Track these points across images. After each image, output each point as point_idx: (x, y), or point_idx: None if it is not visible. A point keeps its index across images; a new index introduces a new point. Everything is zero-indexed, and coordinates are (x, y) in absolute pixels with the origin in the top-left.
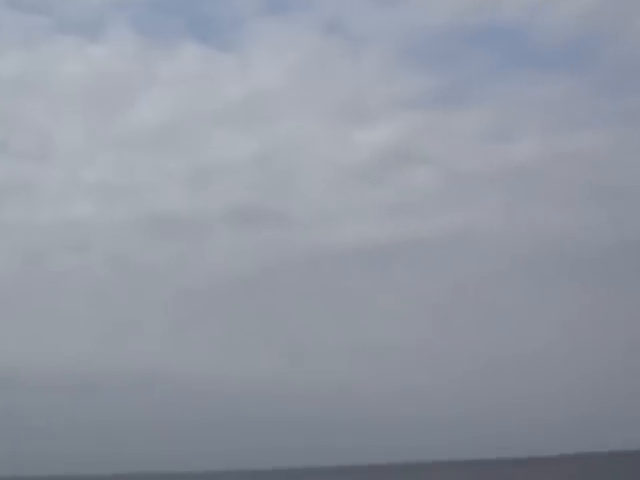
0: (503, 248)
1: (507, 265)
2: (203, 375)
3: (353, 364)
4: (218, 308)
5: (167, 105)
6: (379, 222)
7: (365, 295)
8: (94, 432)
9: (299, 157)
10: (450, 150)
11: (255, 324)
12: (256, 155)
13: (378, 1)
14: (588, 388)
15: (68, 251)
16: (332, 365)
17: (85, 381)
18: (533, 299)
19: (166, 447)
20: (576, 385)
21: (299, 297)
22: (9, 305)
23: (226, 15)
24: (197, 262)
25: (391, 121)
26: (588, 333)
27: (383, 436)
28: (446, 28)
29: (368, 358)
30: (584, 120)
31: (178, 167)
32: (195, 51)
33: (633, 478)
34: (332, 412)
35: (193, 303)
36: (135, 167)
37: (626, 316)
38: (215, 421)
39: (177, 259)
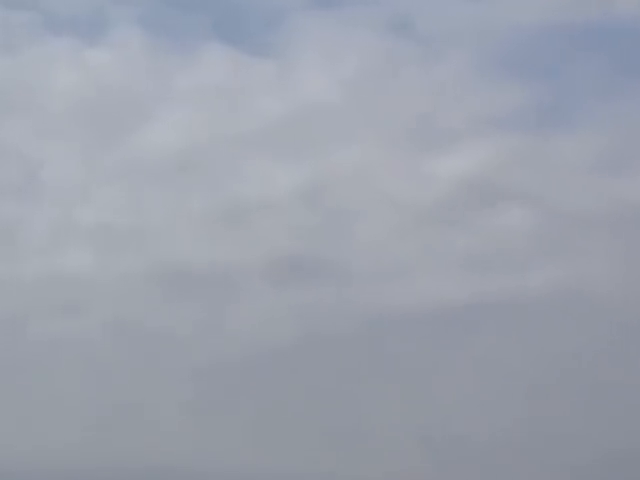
0: (616, 311)
1: (621, 333)
2: (228, 472)
3: (419, 458)
4: (249, 387)
5: (186, 126)
6: (457, 277)
7: (437, 369)
8: None
9: (356, 193)
10: (548, 184)
11: (296, 406)
12: (301, 190)
13: None
14: None
15: (58, 313)
16: (392, 459)
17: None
18: None
19: None
20: None
21: (352, 372)
22: None
23: (262, 10)
24: (223, 329)
25: (473, 147)
26: None
27: None
28: (543, 29)
29: (438, 451)
30: None
31: (200, 206)
32: (222, 56)
33: None
34: None
35: (217, 381)
36: (144, 205)
37: None
38: None
39: (197, 324)
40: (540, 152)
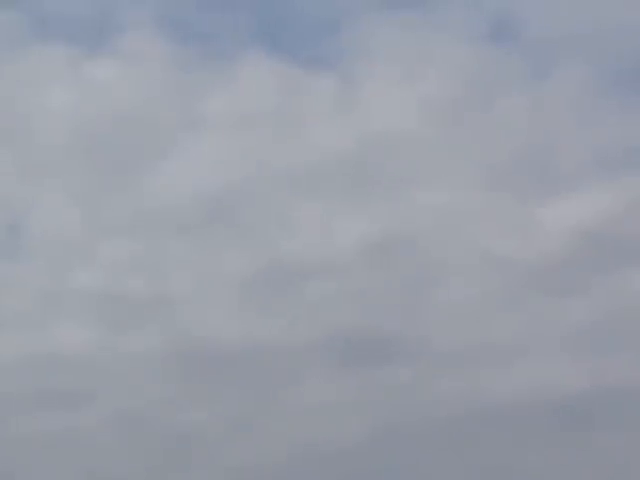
0: None
1: None
2: None
3: None
4: None
5: (218, 162)
6: (571, 357)
7: (543, 473)
8: None
9: (440, 250)
10: None
11: None
12: (367, 247)
13: None
14: None
15: (49, 404)
16: None
17: None
18: None
19: None
20: None
21: (431, 477)
22: None
23: (319, 10)
24: (265, 425)
25: (593, 191)
26: None
27: None
28: None
29: None
30: None
31: (235, 267)
32: (266, 70)
33: None
34: None
35: None
36: (163, 266)
37: None
38: None
39: (231, 420)
40: None
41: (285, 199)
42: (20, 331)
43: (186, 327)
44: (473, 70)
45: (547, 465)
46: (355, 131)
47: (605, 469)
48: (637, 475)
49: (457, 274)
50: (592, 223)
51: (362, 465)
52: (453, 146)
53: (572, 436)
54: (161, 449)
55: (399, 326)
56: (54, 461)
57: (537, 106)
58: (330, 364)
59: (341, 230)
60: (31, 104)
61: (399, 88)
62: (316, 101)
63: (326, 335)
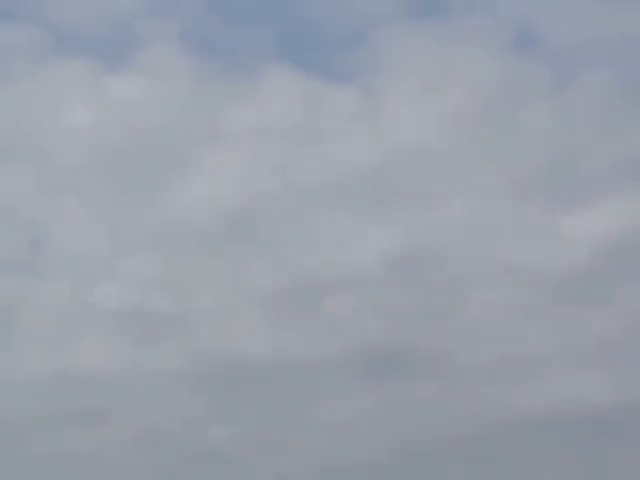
0: None
1: None
2: None
3: None
4: None
5: (240, 177)
6: (600, 370)
7: None
8: None
9: (466, 262)
10: None
11: None
12: (392, 260)
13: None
14: None
15: (71, 422)
16: None
17: None
18: None
19: None
20: None
21: None
22: None
23: (342, 22)
24: (290, 442)
25: (621, 201)
26: None
27: None
28: None
29: None
30: None
31: (258, 282)
32: (288, 83)
33: None
34: None
35: None
36: (184, 282)
37: None
38: None
39: (256, 438)
40: None
41: (306, 213)
42: (42, 349)
43: (208, 343)
44: (495, 80)
45: (576, 475)
46: (376, 144)
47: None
48: None
49: (480, 287)
50: (617, 234)
51: (389, 477)
52: (475, 159)
53: (599, 450)
54: (182, 465)
55: (421, 340)
56: (75, 477)
57: (560, 115)
58: (352, 378)
59: (362, 244)
60: (52, 120)
61: (420, 101)
62: (337, 114)
63: (348, 349)
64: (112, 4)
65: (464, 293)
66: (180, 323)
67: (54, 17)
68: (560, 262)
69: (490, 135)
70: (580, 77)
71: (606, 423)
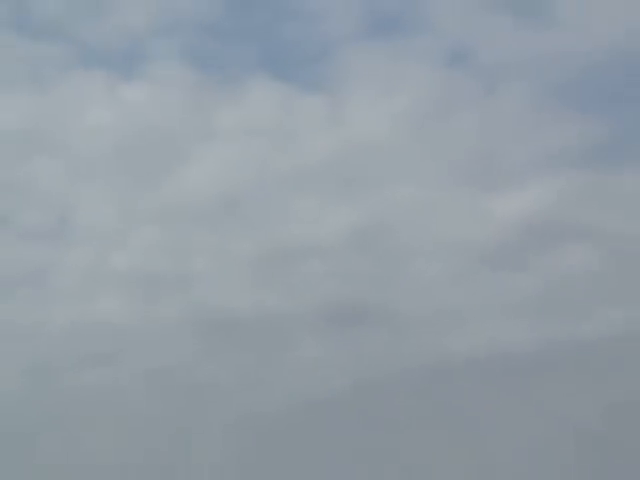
0: None
1: None
2: None
3: None
4: (294, 439)
5: (230, 166)
6: (516, 322)
7: (492, 418)
8: None
9: (411, 234)
10: (614, 223)
11: (343, 459)
12: (353, 232)
13: (520, 21)
14: None
15: (91, 363)
16: None
17: None
18: None
19: None
20: None
21: (403, 422)
22: (12, 434)
23: (312, 40)
24: (268, 378)
25: (536, 185)
26: None
27: None
28: (609, 57)
29: None
30: None
31: (245, 249)
32: (269, 91)
33: None
34: None
35: (261, 433)
36: (185, 249)
37: None
38: None
39: (241, 374)
40: (606, 189)
41: (285, 194)
42: (68, 303)
43: (203, 298)
44: (435, 89)
45: (494, 407)
46: (340, 140)
47: (545, 412)
48: (567, 414)
49: (422, 255)
50: (532, 211)
51: (344, 410)
52: (419, 151)
53: (516, 385)
54: (183, 397)
55: (376, 296)
56: (96, 407)
57: (487, 117)
58: (320, 328)
59: (328, 220)
60: (75, 120)
61: (375, 105)
62: (308, 116)
63: (317, 304)
64: (126, 26)
65: (409, 260)
66: (179, 282)
67: (79, 35)
68: (486, 235)
69: (431, 132)
70: (502, 87)
71: (525, 364)
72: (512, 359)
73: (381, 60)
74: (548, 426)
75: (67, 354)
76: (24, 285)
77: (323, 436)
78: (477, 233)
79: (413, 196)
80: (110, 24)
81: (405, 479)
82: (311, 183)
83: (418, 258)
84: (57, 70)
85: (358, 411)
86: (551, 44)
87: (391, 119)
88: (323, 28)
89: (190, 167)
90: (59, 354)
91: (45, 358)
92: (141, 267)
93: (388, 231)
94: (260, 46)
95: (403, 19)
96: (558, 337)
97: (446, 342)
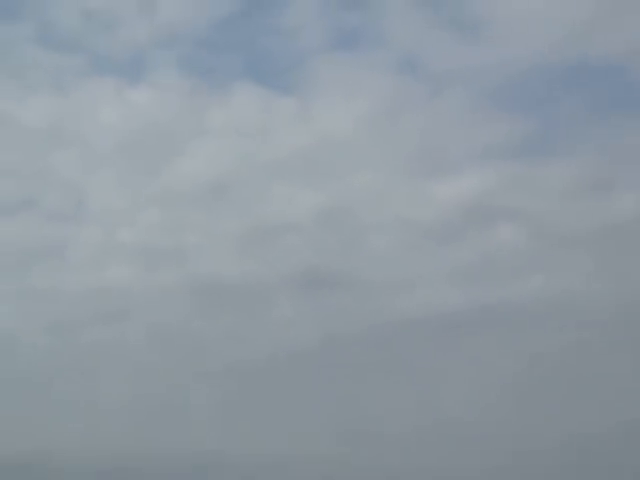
0: (595, 316)
1: (599, 334)
2: (251, 454)
3: (424, 443)
4: (275, 383)
5: (219, 157)
6: (455, 287)
7: (438, 367)
8: None
9: (369, 214)
10: (538, 206)
11: (314, 401)
12: (321, 212)
13: (459, 36)
14: None
15: (102, 321)
16: (397, 446)
17: (121, 466)
18: (630, 370)
19: None
20: None
21: (364, 370)
22: (37, 382)
23: (287, 52)
24: (251, 333)
25: (472, 174)
26: None
27: None
28: (533, 67)
29: (440, 436)
30: None
31: (231, 226)
32: (251, 94)
33: None
34: None
35: (247, 379)
36: (181, 227)
37: None
38: None
39: (228, 330)
40: (530, 177)
41: (263, 181)
42: (83, 272)
43: (196, 267)
44: (389, 93)
45: (438, 358)
46: (310, 135)
47: (475, 361)
48: (497, 364)
49: (379, 230)
50: (469, 195)
51: (316, 360)
52: (376, 144)
53: (455, 340)
54: (178, 349)
55: (340, 265)
56: (106, 357)
57: (433, 116)
58: (295, 291)
59: (301, 201)
60: (91, 118)
61: (340, 106)
62: (284, 116)
63: (292, 272)
64: (132, 40)
65: (367, 235)
66: (176, 254)
67: (93, 48)
68: (431, 215)
69: (385, 129)
70: (445, 91)
71: (463, 321)
72: (452, 318)
73: (344, 69)
74: (481, 371)
75: (82, 313)
76: (47, 256)
77: (297, 381)
78: (423, 213)
79: (370, 182)
80: (119, 38)
81: (366, 416)
82: (286, 171)
83: (374, 233)
84: (75, 77)
85: (326, 360)
86: (485, 56)
87: (352, 118)
88: (296, 42)
89: (185, 158)
90: (76, 313)
91: (64, 317)
92: (144, 241)
93: (349, 211)
94: (244, 57)
95: (362, 34)
96: (490, 300)
97: (398, 304)
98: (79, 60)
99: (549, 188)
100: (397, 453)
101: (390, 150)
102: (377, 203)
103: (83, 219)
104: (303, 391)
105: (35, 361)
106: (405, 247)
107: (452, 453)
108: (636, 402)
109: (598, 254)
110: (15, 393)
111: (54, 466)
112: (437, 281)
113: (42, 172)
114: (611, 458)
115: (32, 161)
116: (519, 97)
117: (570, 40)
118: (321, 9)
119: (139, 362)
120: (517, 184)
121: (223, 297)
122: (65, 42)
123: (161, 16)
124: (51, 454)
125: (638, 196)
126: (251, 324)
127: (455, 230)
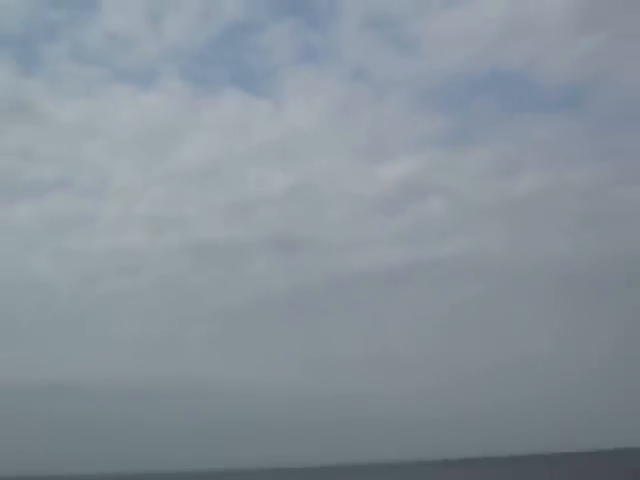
0: (504, 270)
1: (507, 285)
2: (238, 380)
3: (370, 371)
4: (253, 324)
5: (210, 146)
6: (396, 248)
7: (381, 310)
8: (145, 432)
9: (328, 191)
10: (460, 184)
11: (286, 337)
12: (290, 189)
13: (399, 50)
14: (578, 390)
15: (121, 275)
16: (352, 372)
17: (134, 388)
18: (530, 313)
19: (199, 447)
20: (569, 388)
21: (325, 313)
22: (69, 321)
23: (264, 64)
24: (235, 284)
25: (408, 158)
26: (579, 341)
27: (395, 435)
28: (456, 74)
29: (383, 366)
30: (579, 157)
31: (220, 200)
32: (235, 98)
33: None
34: (352, 413)
35: (231, 320)
36: (181, 201)
37: (615, 324)
38: (246, 423)
39: (218, 282)
40: (454, 162)
41: (245, 165)
42: (106, 236)
43: (192, 233)
44: (343, 96)
45: (383, 304)
46: (282, 129)
47: (411, 307)
48: (428, 309)
49: (335, 204)
50: (406, 176)
51: (286, 304)
52: (333, 136)
53: (396, 290)
54: (180, 296)
55: (305, 231)
56: (124, 302)
57: (378, 115)
58: (269, 251)
59: (274, 181)
60: (111, 117)
61: (305, 106)
62: (261, 115)
63: (267, 236)
64: (144, 55)
65: (326, 207)
66: (177, 222)
67: (114, 61)
68: (375, 191)
69: (341, 123)
70: (388, 95)
71: (401, 276)
72: (393, 273)
73: (308, 77)
74: (415, 314)
75: (105, 268)
76: (77, 225)
77: (270, 321)
78: (370, 190)
79: (329, 165)
80: (134, 54)
81: (325, 349)
82: (262, 157)
83: (332, 206)
84: (100, 84)
85: (294, 305)
86: (419, 66)
87: (314, 115)
88: (271, 57)
89: (185, 147)
90: (100, 268)
91: (92, 271)
92: (153, 212)
93: (313, 188)
94: (231, 69)
95: (322, 51)
96: (423, 257)
97: (350, 261)
98: (104, 71)
99: (469, 170)
100: (348, 378)
101: (344, 140)
102: (334, 182)
103: (106, 195)
104: (275, 330)
105: (69, 305)
106: (356, 216)
107: (391, 378)
108: (534, 337)
109: (506, 221)
110: (54, 330)
111: (82, 387)
112: (381, 243)
113: (75, 158)
114: (515, 381)
115: (67, 149)
116: (446, 99)
117: (485, 53)
118: (290, 31)
119: (148, 306)
120: (444, 167)
121: (213, 256)
122: (93, 57)
123: (167, 37)
124: (78, 377)
125: (537, 177)
126: (235, 277)
127: (395, 203)
